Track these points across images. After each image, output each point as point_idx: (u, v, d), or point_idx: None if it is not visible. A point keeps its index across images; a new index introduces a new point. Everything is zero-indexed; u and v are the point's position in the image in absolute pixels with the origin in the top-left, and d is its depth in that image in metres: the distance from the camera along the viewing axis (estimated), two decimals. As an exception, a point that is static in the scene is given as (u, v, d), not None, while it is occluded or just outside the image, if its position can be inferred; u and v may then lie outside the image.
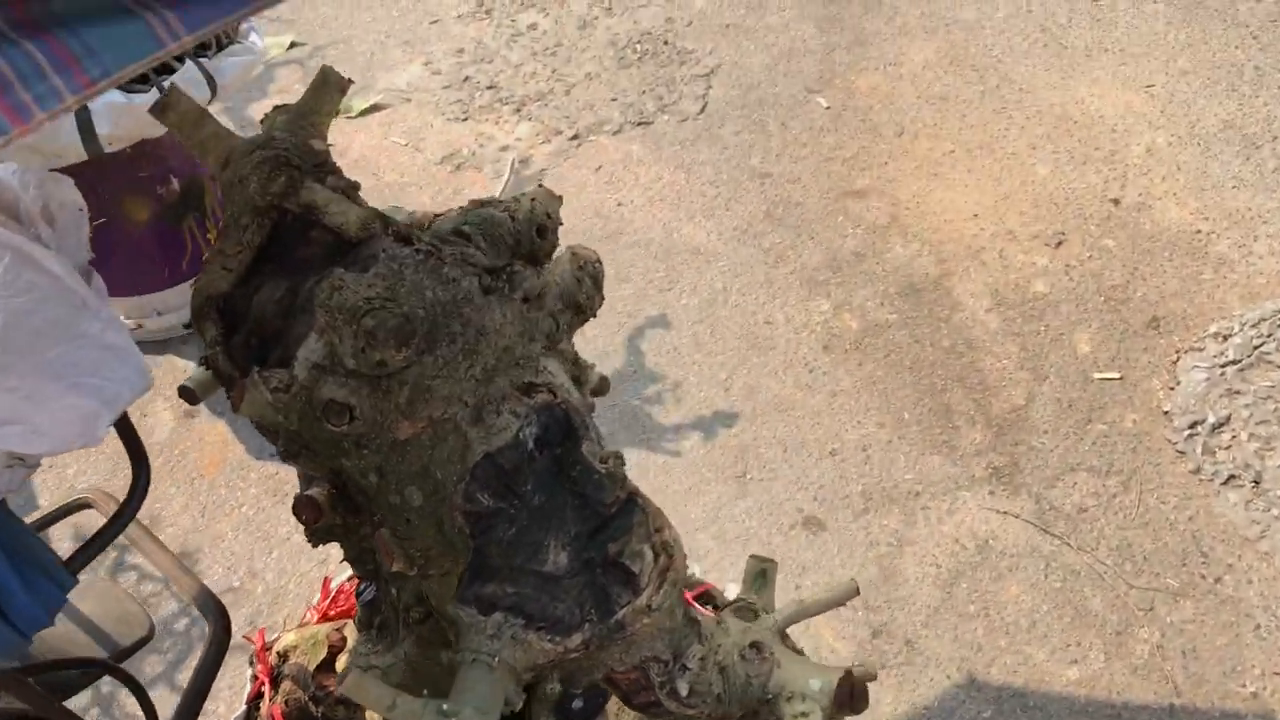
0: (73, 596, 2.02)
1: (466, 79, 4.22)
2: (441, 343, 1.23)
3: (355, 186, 1.39)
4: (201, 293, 1.31)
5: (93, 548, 1.51)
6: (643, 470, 3.01)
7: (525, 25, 4.41)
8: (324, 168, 1.36)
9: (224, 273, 1.31)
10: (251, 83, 4.31)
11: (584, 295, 1.55)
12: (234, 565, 2.91)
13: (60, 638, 1.92)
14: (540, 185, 1.53)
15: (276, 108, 1.42)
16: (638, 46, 4.27)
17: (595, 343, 3.34)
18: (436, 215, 1.58)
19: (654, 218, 3.68)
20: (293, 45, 4.49)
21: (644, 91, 4.09)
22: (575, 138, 3.97)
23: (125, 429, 1.46)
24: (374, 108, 4.19)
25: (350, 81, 1.41)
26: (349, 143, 4.06)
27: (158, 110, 1.30)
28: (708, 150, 3.87)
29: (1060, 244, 3.44)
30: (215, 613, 1.90)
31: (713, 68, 4.16)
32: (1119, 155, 3.69)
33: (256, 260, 1.32)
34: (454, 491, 1.21)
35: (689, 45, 4.25)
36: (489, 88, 4.18)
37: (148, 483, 1.53)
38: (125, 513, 1.53)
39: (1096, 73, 3.97)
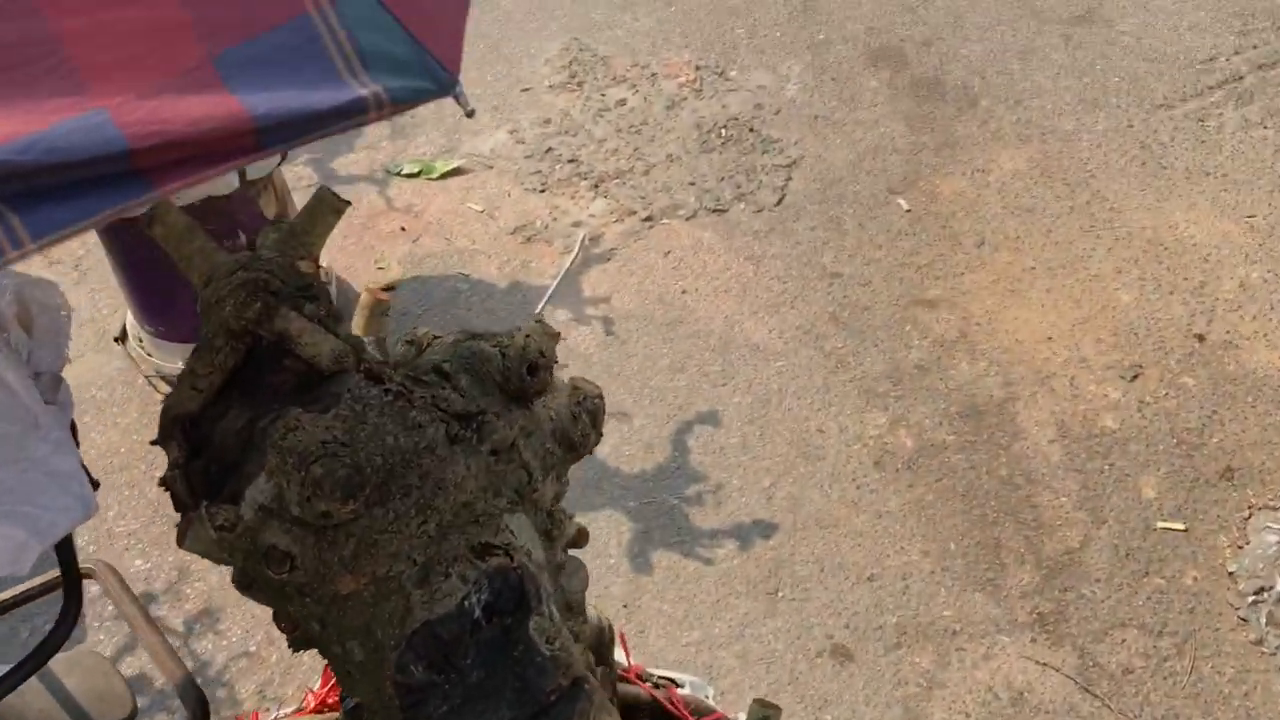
0: (59, 670, 2.00)
1: (549, 150, 4.23)
2: (395, 495, 1.18)
3: (336, 316, 1.35)
4: (169, 411, 1.28)
5: (10, 681, 1.46)
6: (672, 576, 2.92)
7: (614, 100, 4.41)
8: (307, 292, 1.32)
9: (193, 393, 1.28)
10: (339, 137, 4.36)
11: (579, 433, 1.49)
12: (253, 629, 2.89)
13: (39, 714, 1.90)
14: (538, 320, 1.48)
15: (271, 223, 1.39)
16: (722, 131, 4.22)
17: (642, 433, 3.28)
18: (436, 337, 1.53)
19: (717, 309, 3.61)
20: (385, 102, 4.54)
21: (723, 178, 4.04)
22: (649, 219, 3.93)
23: (65, 555, 1.42)
24: (456, 171, 4.22)
25: (348, 204, 1.37)
26: (427, 204, 4.08)
27: (145, 223, 1.28)
28: (780, 244, 3.80)
29: (1136, 377, 3.28)
30: (195, 705, 1.87)
31: (795, 159, 4.09)
32: (1209, 288, 3.51)
33: (227, 383, 1.28)
34: (387, 659, 1.14)
35: (774, 134, 4.20)
36: (570, 161, 4.17)
37: (77, 614, 1.49)
38: (47, 646, 1.48)
39: (1195, 197, 3.80)
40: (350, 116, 0.84)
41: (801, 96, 4.35)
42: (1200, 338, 3.38)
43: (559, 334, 1.49)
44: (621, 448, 3.25)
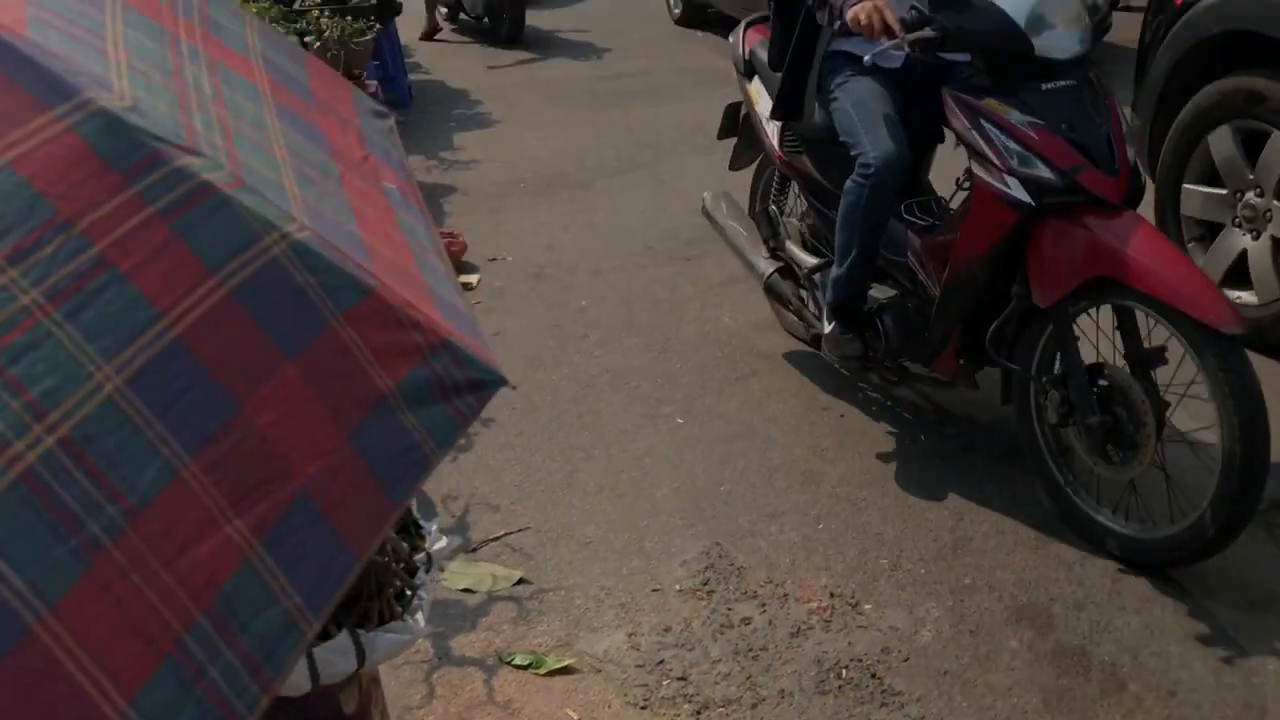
0: None
1: (661, 662, 4.12)
2: None
3: None
4: None
5: None
6: None
7: (739, 618, 4.31)
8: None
9: None
10: (466, 612, 4.42)
11: None
12: None
13: None
14: None
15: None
16: (843, 673, 4.02)
17: None
18: None
19: None
20: (520, 582, 4.61)
21: (832, 729, 3.79)
22: (745, 764, 3.69)
23: None
24: (564, 669, 4.15)
25: None
26: (526, 702, 4.00)
27: None
28: (879, 820, 3.46)
29: None
30: None
31: (915, 719, 3.81)
32: None
33: None
34: None
35: (898, 685, 3.95)
36: (679, 678, 4.04)
37: None
38: None
39: None
40: None
41: (934, 646, 4.12)
42: None
43: None
44: None
